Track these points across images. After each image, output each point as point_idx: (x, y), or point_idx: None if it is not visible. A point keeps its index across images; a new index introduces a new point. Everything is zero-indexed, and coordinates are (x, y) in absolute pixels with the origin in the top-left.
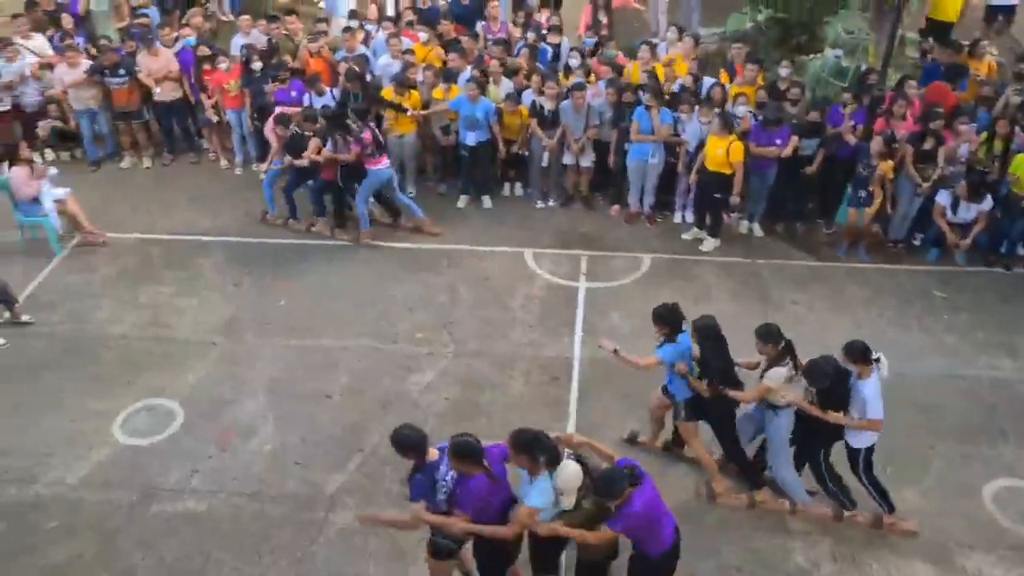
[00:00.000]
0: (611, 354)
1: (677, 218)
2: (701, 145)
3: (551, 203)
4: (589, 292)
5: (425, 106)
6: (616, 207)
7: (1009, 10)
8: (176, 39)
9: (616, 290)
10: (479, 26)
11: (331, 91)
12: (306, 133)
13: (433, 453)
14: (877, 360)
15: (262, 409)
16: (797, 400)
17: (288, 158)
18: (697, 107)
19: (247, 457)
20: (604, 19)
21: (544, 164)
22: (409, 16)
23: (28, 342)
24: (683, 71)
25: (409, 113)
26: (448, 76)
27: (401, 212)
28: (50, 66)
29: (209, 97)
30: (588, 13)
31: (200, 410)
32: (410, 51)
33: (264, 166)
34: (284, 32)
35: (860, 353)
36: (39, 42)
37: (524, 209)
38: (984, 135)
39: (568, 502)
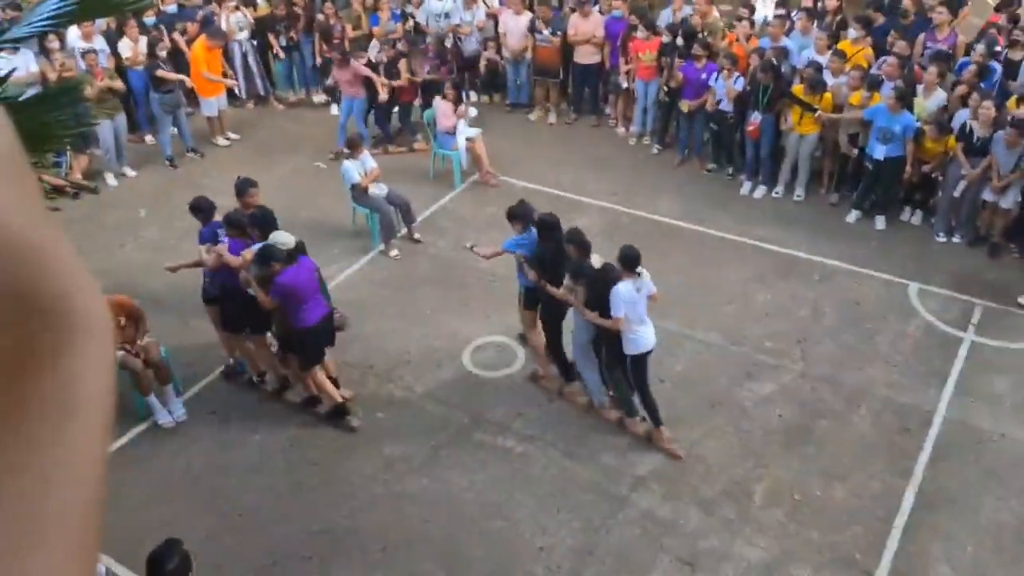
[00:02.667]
0: (467, 249)
1: None
2: None
3: (955, 239)
4: (975, 347)
5: (838, 109)
6: None
7: None
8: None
9: (1011, 352)
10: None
11: (738, 77)
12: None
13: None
14: (639, 273)
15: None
16: (558, 293)
17: None
18: None
19: (570, 416)
20: None
21: (957, 194)
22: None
23: (416, 259)
24: None
25: (817, 115)
26: (872, 83)
27: None
28: (495, 17)
29: (627, 63)
30: None
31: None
32: (839, 50)
33: None
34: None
35: (630, 260)
36: None
37: (921, 239)
38: None
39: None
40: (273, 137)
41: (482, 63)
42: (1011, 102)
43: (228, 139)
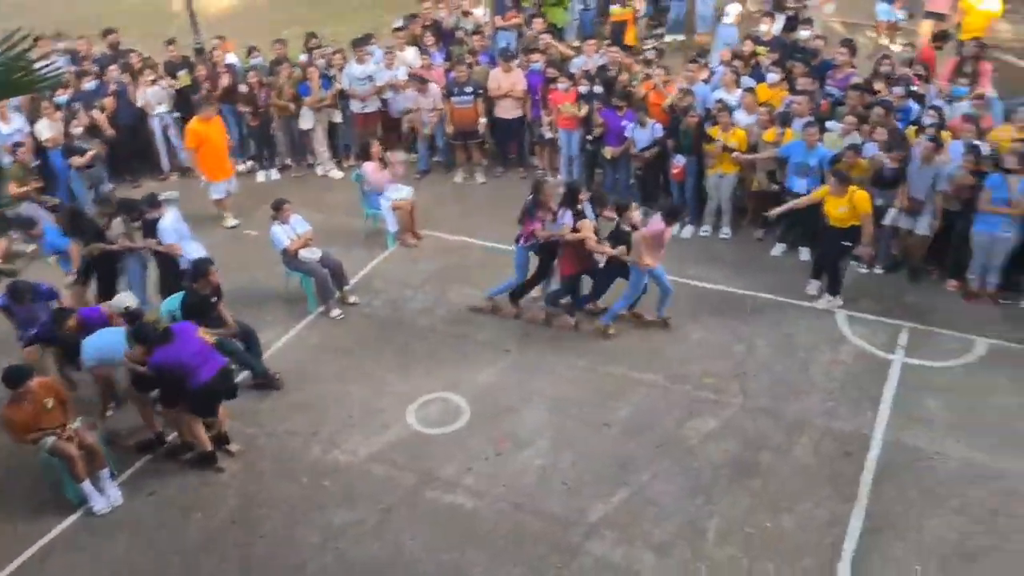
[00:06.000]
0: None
1: None
2: None
3: (877, 269)
4: (905, 368)
5: (753, 148)
6: (955, 281)
7: None
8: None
9: (938, 371)
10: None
11: (654, 125)
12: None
13: None
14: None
15: (541, 424)
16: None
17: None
18: None
19: (519, 467)
20: (969, 69)
21: (887, 222)
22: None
23: (353, 321)
24: None
25: (735, 155)
26: (784, 120)
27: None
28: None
29: (548, 115)
30: (952, 64)
31: (485, 412)
32: (750, 90)
33: None
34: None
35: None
36: (411, 55)
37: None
38: None
39: None
40: (198, 208)
41: (404, 124)
42: (910, 132)
43: (236, 220)
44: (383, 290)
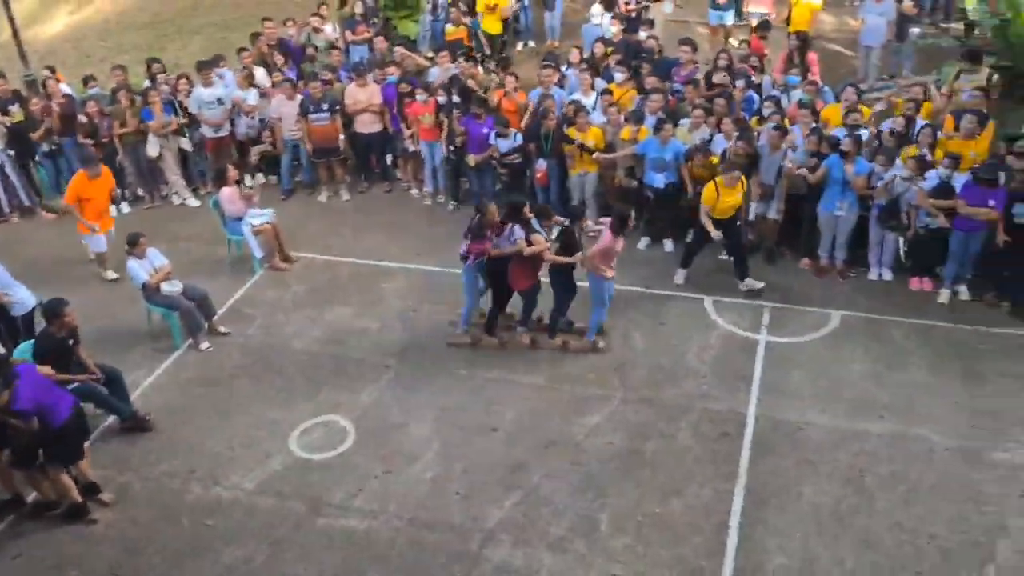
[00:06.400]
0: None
1: (873, 275)
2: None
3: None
4: (770, 346)
5: (611, 147)
6: (807, 260)
7: None
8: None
9: (800, 346)
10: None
11: (516, 134)
12: None
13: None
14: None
15: (428, 436)
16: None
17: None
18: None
19: (410, 482)
20: (798, 60)
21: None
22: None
23: (225, 352)
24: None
25: (595, 156)
26: (638, 118)
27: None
28: (267, 97)
29: (408, 128)
30: (783, 56)
31: (370, 430)
32: (607, 91)
33: None
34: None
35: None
36: (259, 75)
37: (707, 256)
38: None
39: None
40: (45, 251)
41: (253, 155)
42: (753, 121)
43: (115, 274)
44: (255, 317)
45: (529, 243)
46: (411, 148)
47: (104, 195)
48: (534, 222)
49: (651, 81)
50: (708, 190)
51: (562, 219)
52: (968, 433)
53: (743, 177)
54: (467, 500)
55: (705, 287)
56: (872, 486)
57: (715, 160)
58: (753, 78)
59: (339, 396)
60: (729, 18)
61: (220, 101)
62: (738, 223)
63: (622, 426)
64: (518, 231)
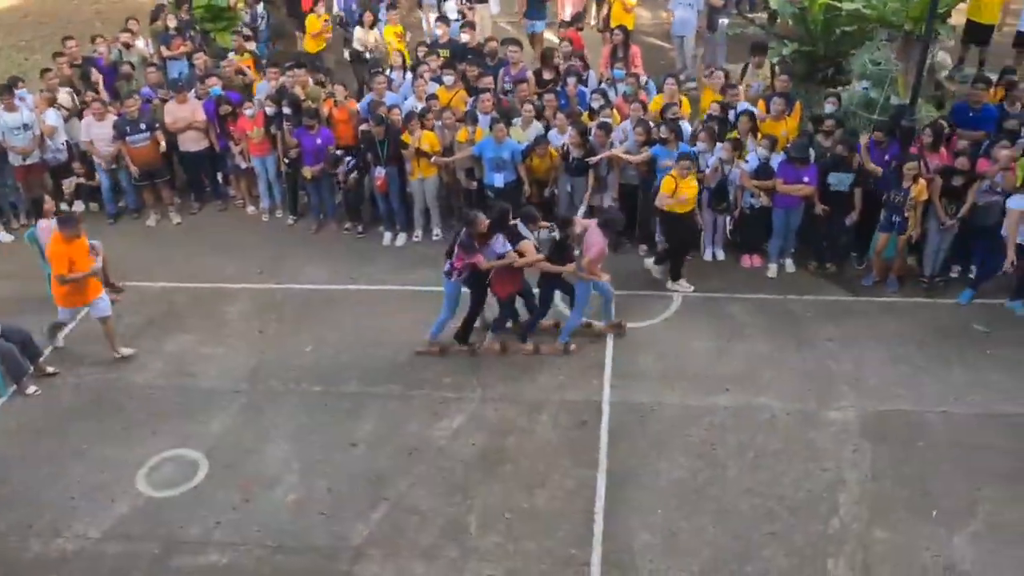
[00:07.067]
0: None
1: (707, 256)
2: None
3: None
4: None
5: (448, 149)
6: (644, 246)
7: None
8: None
9: (645, 330)
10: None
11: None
12: None
13: None
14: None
15: (287, 458)
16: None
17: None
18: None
19: (271, 508)
20: (622, 54)
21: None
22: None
23: (56, 394)
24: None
25: (432, 160)
26: (471, 119)
27: None
28: (79, 117)
29: (236, 144)
30: (607, 51)
31: (224, 460)
32: (433, 96)
33: None
34: (298, 82)
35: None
36: (62, 96)
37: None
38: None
39: None
40: None
41: (66, 189)
42: (584, 116)
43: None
44: (88, 354)
45: (520, 253)
46: (243, 165)
47: (83, 262)
48: (520, 227)
49: (484, 82)
50: (666, 183)
51: (547, 224)
52: (804, 396)
53: (695, 167)
54: (332, 519)
55: None
56: (723, 457)
57: (555, 153)
58: (582, 74)
59: (187, 428)
60: (540, 26)
61: (27, 127)
62: (696, 217)
63: (483, 425)
64: (505, 241)
